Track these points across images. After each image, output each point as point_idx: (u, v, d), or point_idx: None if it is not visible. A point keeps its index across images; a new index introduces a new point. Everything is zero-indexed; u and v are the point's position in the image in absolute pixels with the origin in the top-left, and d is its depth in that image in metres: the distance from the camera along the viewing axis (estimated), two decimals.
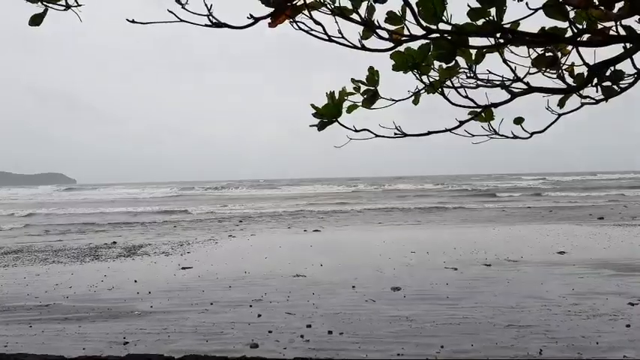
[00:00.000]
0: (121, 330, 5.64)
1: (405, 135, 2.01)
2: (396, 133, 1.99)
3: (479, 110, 2.08)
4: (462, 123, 1.98)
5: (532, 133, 2.26)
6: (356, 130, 2.14)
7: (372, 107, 2.27)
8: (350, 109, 2.21)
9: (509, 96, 1.93)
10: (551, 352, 4.69)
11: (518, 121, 2.19)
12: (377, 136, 2.09)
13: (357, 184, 67.08)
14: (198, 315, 6.21)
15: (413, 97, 2.16)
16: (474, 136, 2.29)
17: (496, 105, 1.94)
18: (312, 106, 2.13)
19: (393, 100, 2.15)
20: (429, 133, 2.05)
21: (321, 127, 2.04)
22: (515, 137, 2.28)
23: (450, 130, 2.02)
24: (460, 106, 1.94)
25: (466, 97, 1.94)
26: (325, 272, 9.01)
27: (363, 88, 2.21)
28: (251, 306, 6.61)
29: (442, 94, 1.94)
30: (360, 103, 2.26)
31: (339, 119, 2.04)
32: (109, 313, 6.41)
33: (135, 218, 26.03)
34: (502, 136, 2.29)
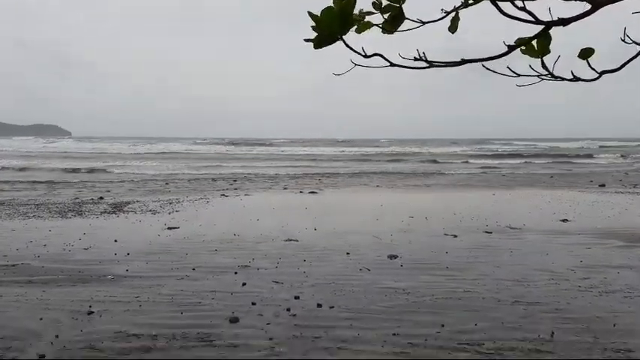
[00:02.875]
0: (88, 297, 5.12)
1: (431, 64, 1.39)
2: (416, 58, 1.37)
3: (533, 35, 1.44)
4: (510, 48, 1.36)
5: (601, 73, 1.62)
6: (365, 55, 1.52)
7: (397, 30, 1.63)
8: (361, 29, 1.58)
9: (589, 6, 1.29)
10: (564, 334, 4.21)
11: (586, 54, 1.55)
12: (392, 64, 1.48)
13: (358, 146, 66.31)
14: (177, 282, 5.70)
15: (450, 22, 1.53)
16: (519, 76, 1.65)
17: (566, 21, 1.31)
18: (310, 14, 1.51)
19: (421, 21, 1.52)
20: (464, 61, 1.43)
21: (317, 43, 1.44)
22: (576, 79, 1.64)
23: (490, 58, 1.40)
24: (514, 18, 1.31)
25: (522, 8, 1.31)
26: (319, 237, 8.50)
27: (385, 1, 1.57)
28: (236, 273, 6.10)
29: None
30: (376, 23, 1.64)
31: (344, 37, 1.45)
32: (79, 276, 5.90)
33: (126, 173, 25.42)
34: (557, 77, 1.65)
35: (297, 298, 5.08)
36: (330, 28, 1.63)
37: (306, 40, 1.72)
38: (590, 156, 43.86)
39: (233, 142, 74.98)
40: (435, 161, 38.05)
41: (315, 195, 15.74)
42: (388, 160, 37.78)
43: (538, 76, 1.64)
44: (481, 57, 1.61)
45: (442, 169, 29.86)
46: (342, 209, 12.21)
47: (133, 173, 25.62)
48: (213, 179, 22.14)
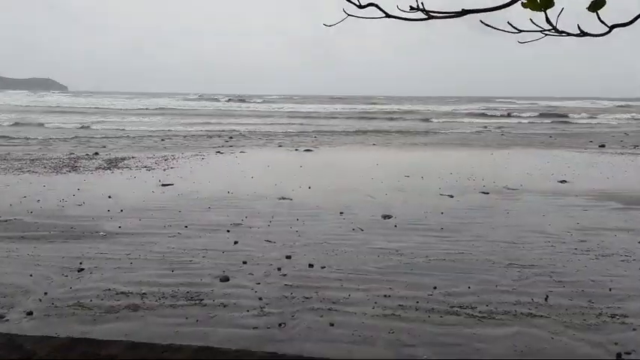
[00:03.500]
0: (79, 253, 5.07)
1: (429, 15, 1.24)
2: (412, 7, 1.21)
3: None
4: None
5: (612, 27, 1.47)
6: (360, 6, 1.36)
7: None
8: None
9: None
10: (558, 298, 4.18)
11: (597, 5, 1.39)
12: (388, 15, 1.33)
13: (355, 103, 65.45)
14: (169, 239, 5.65)
15: None
16: (520, 31, 1.49)
17: None
18: None
19: None
20: (464, 12, 1.27)
21: None
22: (583, 34, 1.48)
23: (494, 9, 1.24)
24: None
25: None
26: (313, 196, 8.43)
27: None
28: (228, 231, 6.04)
29: None
30: None
31: None
32: (71, 232, 5.84)
33: (122, 129, 25.13)
34: (562, 32, 1.49)
35: (288, 257, 5.04)
36: None
37: None
38: (593, 116, 43.41)
39: (230, 98, 73.99)
40: (432, 120, 37.68)
41: (310, 153, 15.59)
42: (386, 119, 37.35)
43: (541, 31, 1.48)
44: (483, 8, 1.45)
45: (440, 127, 29.58)
46: (337, 168, 12.10)
47: (129, 129, 25.32)
48: (209, 136, 21.93)
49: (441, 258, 5.17)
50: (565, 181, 10.11)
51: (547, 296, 4.20)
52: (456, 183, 9.86)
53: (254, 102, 66.19)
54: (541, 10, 1.43)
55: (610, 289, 4.37)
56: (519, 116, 42.46)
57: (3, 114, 34.06)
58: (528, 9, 1.45)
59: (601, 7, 1.40)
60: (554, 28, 1.48)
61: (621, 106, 62.61)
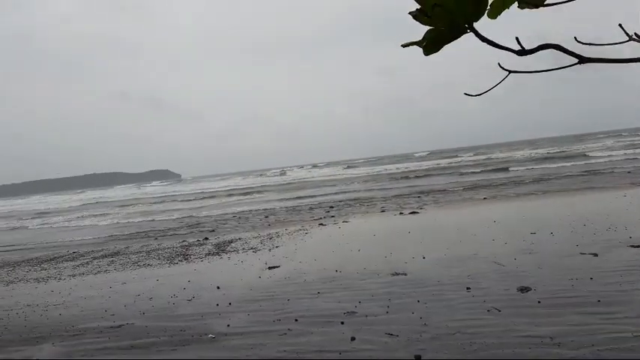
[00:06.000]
0: None
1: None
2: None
3: None
4: None
5: None
6: (522, 51, 0.80)
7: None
8: (499, 7, 0.87)
9: None
10: None
11: None
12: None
13: (456, 155, 63.41)
14: (279, 339, 5.12)
15: None
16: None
17: None
18: None
19: None
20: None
21: (432, 44, 0.76)
22: None
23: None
24: None
25: None
26: (429, 267, 7.58)
27: None
28: (342, 323, 5.39)
29: None
30: None
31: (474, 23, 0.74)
32: (180, 336, 5.55)
33: (229, 211, 26.11)
34: None
35: (418, 358, 4.24)
36: (457, 12, 0.92)
37: (406, 45, 1.02)
38: None
39: (316, 165, 75.54)
40: (541, 162, 34.96)
41: (416, 215, 14.73)
42: (491, 170, 35.29)
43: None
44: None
45: (553, 172, 27.17)
46: (450, 230, 11.10)
47: (236, 210, 26.25)
48: (310, 207, 21.91)
49: (613, 346, 4.07)
50: None
51: None
52: (595, 236, 8.47)
53: (343, 167, 66.80)
54: None
55: None
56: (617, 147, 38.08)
57: (129, 207, 37.28)
58: None
59: None
60: None
61: None
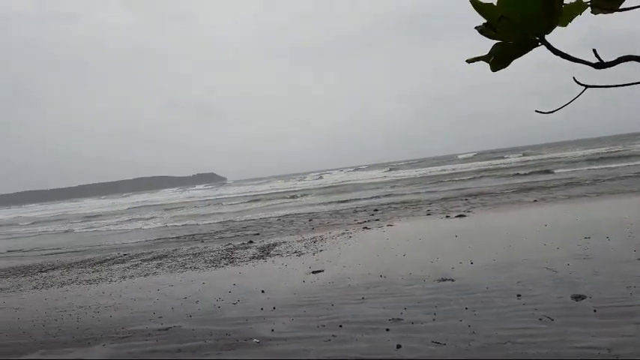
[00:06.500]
0: None
1: None
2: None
3: None
4: None
5: None
6: (600, 63, 0.73)
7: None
8: (573, 11, 0.81)
9: None
10: None
11: None
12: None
13: (502, 156, 61.66)
14: (323, 345, 5.09)
15: None
16: None
17: None
18: (477, 5, 0.77)
19: None
20: None
21: (500, 60, 0.70)
22: None
23: None
24: None
25: None
26: (477, 273, 7.35)
27: None
28: (388, 330, 5.30)
29: None
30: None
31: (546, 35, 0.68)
32: (225, 340, 5.61)
33: (274, 214, 26.37)
34: None
35: None
36: (527, 24, 0.86)
37: (471, 61, 0.95)
38: None
39: (358, 168, 75.22)
40: (593, 162, 33.44)
41: (463, 219, 14.37)
42: (540, 171, 34.06)
43: None
44: None
45: (606, 173, 25.90)
46: (499, 234, 10.75)
47: (281, 213, 26.48)
48: (355, 210, 21.81)
49: None
50: None
51: None
52: None
53: (388, 170, 66.18)
54: None
55: None
56: None
57: (175, 210, 38.35)
58: None
59: None
60: None
61: None
